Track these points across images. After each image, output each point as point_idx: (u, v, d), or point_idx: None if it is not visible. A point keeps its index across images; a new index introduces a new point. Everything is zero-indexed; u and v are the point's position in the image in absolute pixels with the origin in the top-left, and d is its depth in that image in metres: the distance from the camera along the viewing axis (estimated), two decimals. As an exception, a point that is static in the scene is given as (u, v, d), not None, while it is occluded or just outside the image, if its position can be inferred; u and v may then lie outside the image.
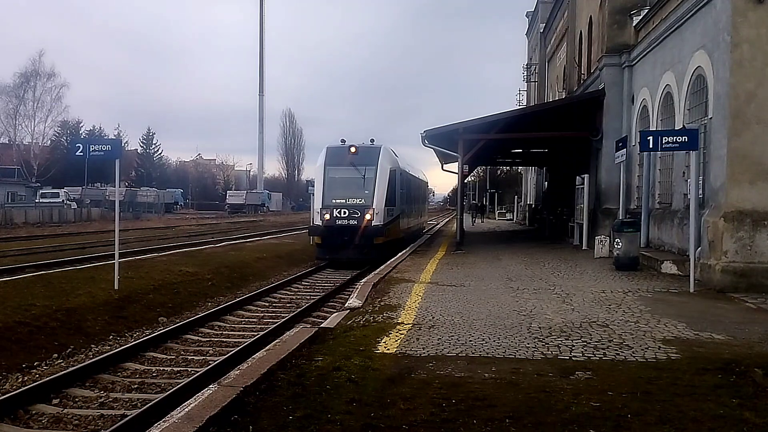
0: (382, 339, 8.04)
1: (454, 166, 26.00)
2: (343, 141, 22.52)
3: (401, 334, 8.35)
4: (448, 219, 67.25)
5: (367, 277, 13.82)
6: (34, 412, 7.53)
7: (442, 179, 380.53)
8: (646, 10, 19.36)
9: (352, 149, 21.85)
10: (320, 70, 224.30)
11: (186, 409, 5.13)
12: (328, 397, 5.79)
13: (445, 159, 28.18)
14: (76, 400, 8.01)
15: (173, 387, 8.13)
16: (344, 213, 21.00)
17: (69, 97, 69.53)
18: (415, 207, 29.81)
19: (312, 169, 22.87)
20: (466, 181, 32.03)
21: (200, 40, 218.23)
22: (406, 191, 25.16)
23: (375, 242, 20.80)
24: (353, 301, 11.27)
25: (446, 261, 18.12)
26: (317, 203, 21.63)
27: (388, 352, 7.42)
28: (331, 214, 21.01)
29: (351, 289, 14.18)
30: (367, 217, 20.85)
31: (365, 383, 6.18)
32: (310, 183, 25.91)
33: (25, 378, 8.90)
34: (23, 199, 64.08)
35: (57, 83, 71.70)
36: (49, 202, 60.26)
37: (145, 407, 7.33)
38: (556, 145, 28.72)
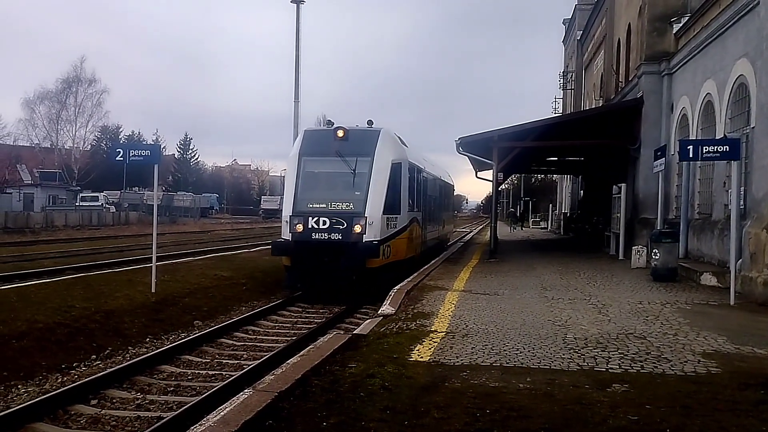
0: (415, 347, 8.02)
1: (488, 174, 25.88)
2: (330, 123, 17.17)
3: (434, 342, 8.32)
4: (481, 227, 66.95)
5: (400, 285, 13.80)
6: (73, 412, 7.68)
7: (475, 186, 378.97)
8: (687, 18, 19.07)
9: (339, 133, 15.97)
10: (354, 76, 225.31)
11: (222, 413, 5.18)
12: (362, 404, 5.79)
13: (479, 166, 28.00)
14: (114, 401, 8.15)
15: (208, 390, 8.23)
16: (324, 223, 15.04)
17: (109, 102, 70.93)
18: (434, 215, 23.33)
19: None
20: (500, 188, 31.82)
21: (237, 48, 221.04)
22: (421, 194, 19.47)
23: (368, 266, 14.81)
24: (386, 308, 11.26)
25: (479, 269, 18.01)
26: (287, 208, 15.79)
27: (421, 360, 7.40)
28: (306, 225, 15.13)
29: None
30: (357, 229, 14.95)
31: (399, 391, 6.16)
32: (283, 180, 19.63)
33: (65, 378, 9.08)
34: (64, 203, 65.63)
35: (98, 89, 73.24)
36: (89, 206, 61.69)
37: (180, 410, 7.42)
38: (592, 153, 28.40)
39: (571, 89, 46.04)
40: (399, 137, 17.87)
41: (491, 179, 23.57)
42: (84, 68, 72.33)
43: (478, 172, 28.73)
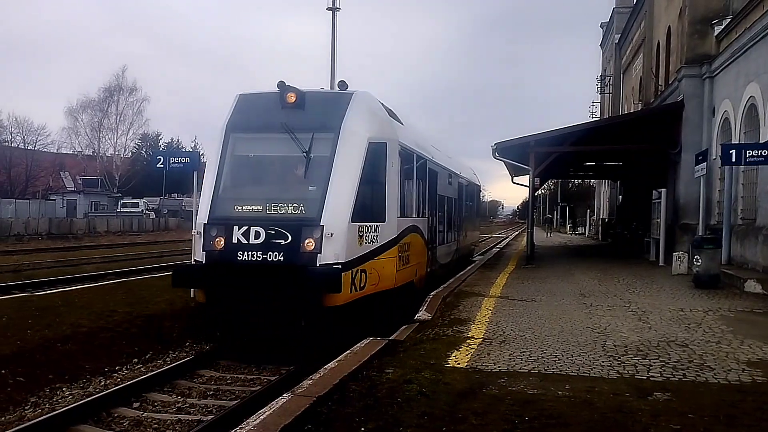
0: (452, 353, 8.00)
1: (524, 179, 25.70)
2: (281, 84, 10.94)
3: (472, 348, 8.29)
4: (517, 233, 66.50)
5: (436, 291, 13.75)
6: (116, 414, 7.85)
7: (511, 192, 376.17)
8: (729, 20, 18.73)
9: (290, 97, 10.82)
10: (388, 81, 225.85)
11: (261, 417, 5.23)
12: (400, 409, 5.80)
13: (515, 172, 27.85)
14: (155, 404, 8.29)
15: (247, 395, 8.33)
16: (257, 236, 9.81)
17: (149, 110, 72.44)
18: (450, 222, 18.40)
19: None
20: (536, 194, 31.52)
21: (273, 55, 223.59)
22: (428, 192, 14.50)
23: (327, 303, 9.64)
24: (422, 314, 11.24)
25: (516, 275, 17.87)
26: (201, 213, 10.57)
27: (458, 366, 7.38)
28: (229, 238, 9.93)
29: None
30: (308, 244, 9.72)
31: (436, 397, 6.15)
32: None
33: (108, 381, 9.27)
34: (105, 209, 67.03)
35: (138, 97, 74.84)
36: (129, 212, 62.98)
37: (220, 414, 7.52)
38: (631, 158, 27.99)
39: (609, 93, 45.47)
40: (388, 108, 12.58)
41: (527, 184, 23.40)
42: (125, 77, 74.06)
43: (514, 178, 28.58)
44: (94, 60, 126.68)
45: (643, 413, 5.69)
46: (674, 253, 18.11)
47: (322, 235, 9.70)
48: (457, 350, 8.14)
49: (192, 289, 11.58)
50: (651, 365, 7.40)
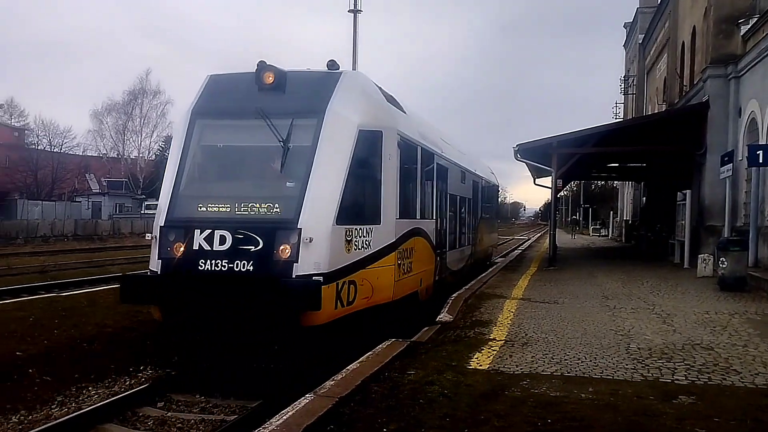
0: (474, 354, 7.98)
1: (546, 181, 25.57)
2: (261, 63, 9.52)
3: (494, 350, 8.26)
4: (539, 235, 66.12)
5: (458, 292, 13.72)
6: (141, 414, 7.95)
7: (533, 194, 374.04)
8: (756, 19, 18.45)
9: (267, 77, 9.41)
10: (410, 82, 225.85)
11: (284, 417, 5.27)
12: (422, 411, 5.80)
13: (537, 173, 27.69)
14: (179, 404, 8.37)
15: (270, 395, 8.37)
16: (223, 241, 8.45)
17: (173, 113, 73.45)
18: (462, 225, 17.00)
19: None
20: (558, 195, 31.31)
21: (296, 58, 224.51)
22: (436, 190, 13.18)
23: (305, 323, 8.20)
24: (444, 316, 11.23)
25: (538, 277, 17.78)
26: (159, 214, 9.21)
27: (480, 368, 7.37)
28: (189, 244, 8.57)
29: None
30: (283, 251, 8.32)
31: (458, 399, 6.15)
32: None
33: (132, 381, 9.37)
34: (129, 211, 67.84)
35: (162, 100, 75.81)
36: (153, 213, 63.49)
37: (243, 414, 7.58)
38: (655, 159, 27.70)
39: (633, 94, 45.08)
40: (387, 93, 11.08)
41: (550, 186, 23.26)
42: (149, 80, 74.92)
43: (537, 179, 28.41)
44: (118, 64, 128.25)
45: (668, 417, 5.64)
46: (699, 256, 17.88)
47: (299, 240, 8.24)
48: (479, 352, 8.12)
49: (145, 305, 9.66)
50: (676, 368, 7.32)
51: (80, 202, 66.05)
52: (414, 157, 11.40)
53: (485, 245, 22.16)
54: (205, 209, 8.81)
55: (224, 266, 8.26)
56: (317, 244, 8.26)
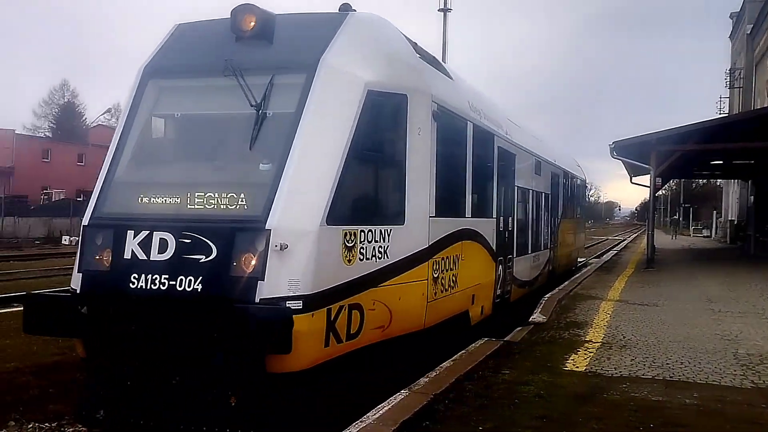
0: (569, 356, 7.83)
1: (643, 179, 24.64)
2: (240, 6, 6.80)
3: (590, 352, 8.07)
4: (635, 235, 63.96)
5: (551, 293, 13.46)
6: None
7: (628, 193, 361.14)
8: None
9: (247, 21, 6.67)
10: (499, 80, 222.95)
11: (380, 412, 5.35)
12: (516, 411, 5.75)
13: (634, 171, 26.73)
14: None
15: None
16: (164, 247, 5.86)
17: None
18: (537, 226, 14.38)
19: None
20: (657, 194, 30.16)
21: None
22: (498, 181, 10.73)
23: (273, 369, 5.47)
24: (537, 317, 11.06)
25: (635, 278, 17.20)
26: (88, 210, 6.54)
27: (577, 369, 7.22)
28: (119, 251, 5.97)
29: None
30: (247, 261, 5.66)
31: (554, 400, 6.05)
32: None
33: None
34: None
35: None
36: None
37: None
38: (765, 155, 26.18)
39: (740, 87, 42.82)
40: (419, 48, 8.25)
41: (647, 185, 22.43)
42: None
43: (633, 178, 27.48)
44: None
45: (781, 426, 5.35)
46: (814, 258, 16.81)
47: (267, 246, 5.65)
48: (575, 353, 7.96)
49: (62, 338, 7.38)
50: (789, 376, 6.93)
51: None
52: (462, 135, 8.96)
53: (568, 250, 19.14)
54: (147, 202, 6.33)
55: (163, 284, 5.77)
56: (295, 253, 5.66)
